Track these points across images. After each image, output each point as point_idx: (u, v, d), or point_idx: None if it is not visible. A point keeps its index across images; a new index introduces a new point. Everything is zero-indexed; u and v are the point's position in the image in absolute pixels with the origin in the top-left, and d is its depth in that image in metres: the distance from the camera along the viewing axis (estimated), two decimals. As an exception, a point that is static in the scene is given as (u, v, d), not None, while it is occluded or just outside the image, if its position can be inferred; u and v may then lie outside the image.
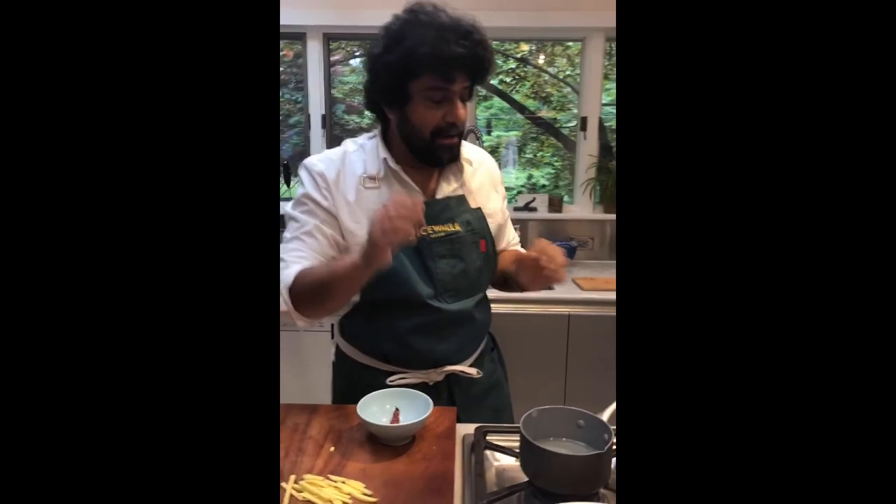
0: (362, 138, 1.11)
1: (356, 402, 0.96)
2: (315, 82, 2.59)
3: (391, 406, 0.96)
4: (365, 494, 0.79)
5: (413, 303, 1.03)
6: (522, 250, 1.17)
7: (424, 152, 1.03)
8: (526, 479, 0.81)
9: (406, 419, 0.93)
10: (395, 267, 0.92)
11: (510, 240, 1.25)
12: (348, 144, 1.10)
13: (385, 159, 1.05)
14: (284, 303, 0.96)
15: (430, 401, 0.94)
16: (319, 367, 2.12)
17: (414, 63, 0.93)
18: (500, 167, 1.27)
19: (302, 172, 1.07)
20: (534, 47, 2.83)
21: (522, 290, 1.10)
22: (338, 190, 1.03)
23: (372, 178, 1.05)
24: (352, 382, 1.10)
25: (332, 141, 2.61)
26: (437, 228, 1.04)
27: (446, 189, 1.09)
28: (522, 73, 2.93)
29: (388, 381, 1.08)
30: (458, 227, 1.06)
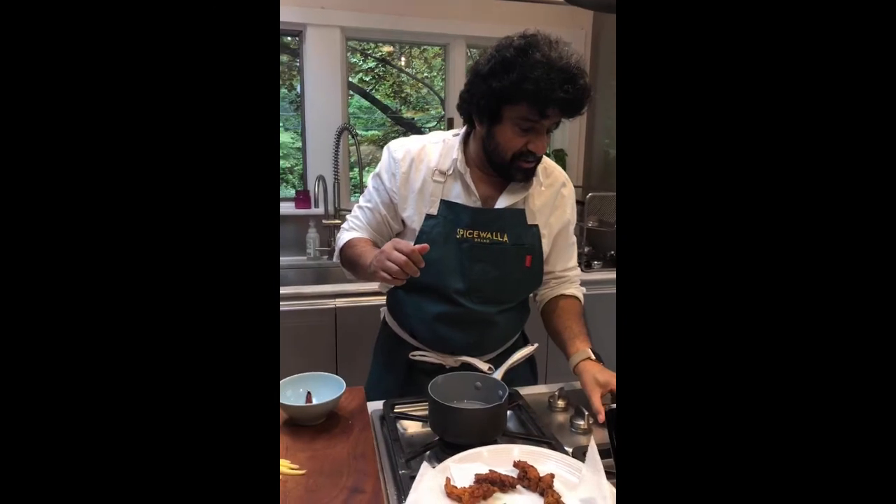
0: (449, 133, 1.17)
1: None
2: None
3: (304, 390, 1.02)
4: (292, 469, 0.85)
5: (442, 293, 1.13)
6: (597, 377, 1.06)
7: (501, 168, 1.10)
8: (435, 439, 0.93)
9: (318, 401, 1.00)
10: (436, 258, 1.00)
11: (566, 266, 1.25)
12: (433, 136, 1.16)
13: (455, 160, 1.12)
14: (338, 258, 1.21)
15: (343, 381, 1.02)
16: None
17: (514, 93, 0.99)
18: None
19: (384, 151, 1.17)
20: (396, 49, 2.94)
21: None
22: (406, 180, 1.14)
23: (441, 173, 1.13)
24: (387, 347, 1.26)
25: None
26: (482, 234, 1.12)
27: (507, 201, 1.13)
28: (382, 73, 3.04)
29: (410, 354, 1.19)
30: (504, 239, 1.12)
